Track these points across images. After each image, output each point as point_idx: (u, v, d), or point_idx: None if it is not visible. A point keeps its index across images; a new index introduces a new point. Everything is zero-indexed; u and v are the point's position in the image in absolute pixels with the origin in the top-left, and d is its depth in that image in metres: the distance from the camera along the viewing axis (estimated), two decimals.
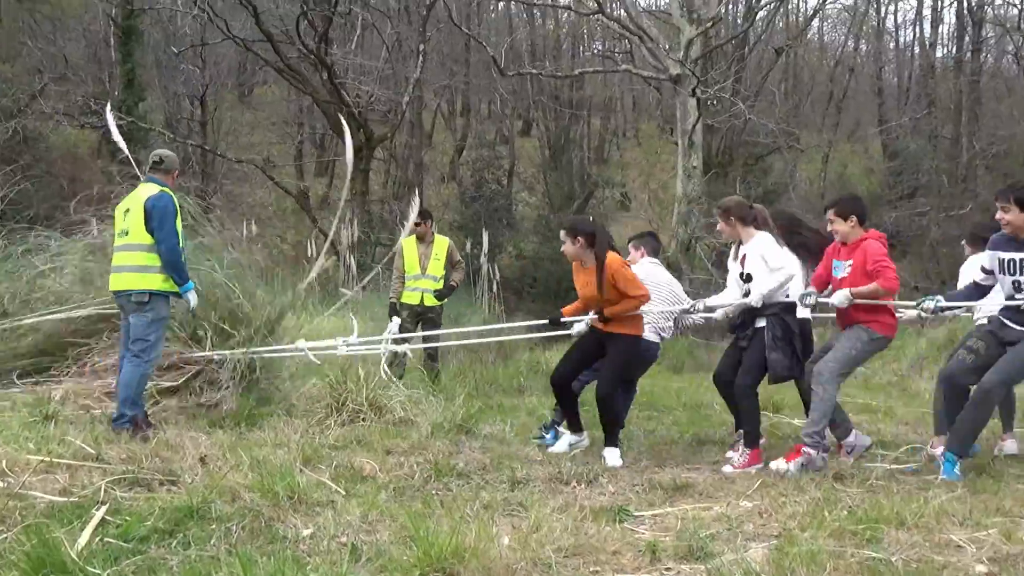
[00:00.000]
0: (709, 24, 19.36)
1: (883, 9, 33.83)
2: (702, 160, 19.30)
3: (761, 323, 5.83)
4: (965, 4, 28.32)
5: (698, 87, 18.22)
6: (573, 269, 6.22)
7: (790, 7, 31.36)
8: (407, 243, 8.80)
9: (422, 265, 8.68)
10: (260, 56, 22.65)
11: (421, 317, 8.59)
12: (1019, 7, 28.31)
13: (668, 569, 3.51)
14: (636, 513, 4.30)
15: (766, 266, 5.79)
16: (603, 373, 6.01)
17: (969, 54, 28.05)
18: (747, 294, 5.87)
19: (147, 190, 5.97)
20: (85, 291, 7.14)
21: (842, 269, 5.56)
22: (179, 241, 5.94)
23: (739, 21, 26.25)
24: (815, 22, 33.45)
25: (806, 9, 32.68)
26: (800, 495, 4.59)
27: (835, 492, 4.64)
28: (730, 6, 25.90)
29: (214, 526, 3.75)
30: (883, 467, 5.37)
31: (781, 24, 31.03)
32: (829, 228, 5.69)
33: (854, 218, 5.55)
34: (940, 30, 32.94)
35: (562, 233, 6.12)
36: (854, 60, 32.30)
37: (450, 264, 8.77)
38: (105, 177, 24.47)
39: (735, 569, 3.36)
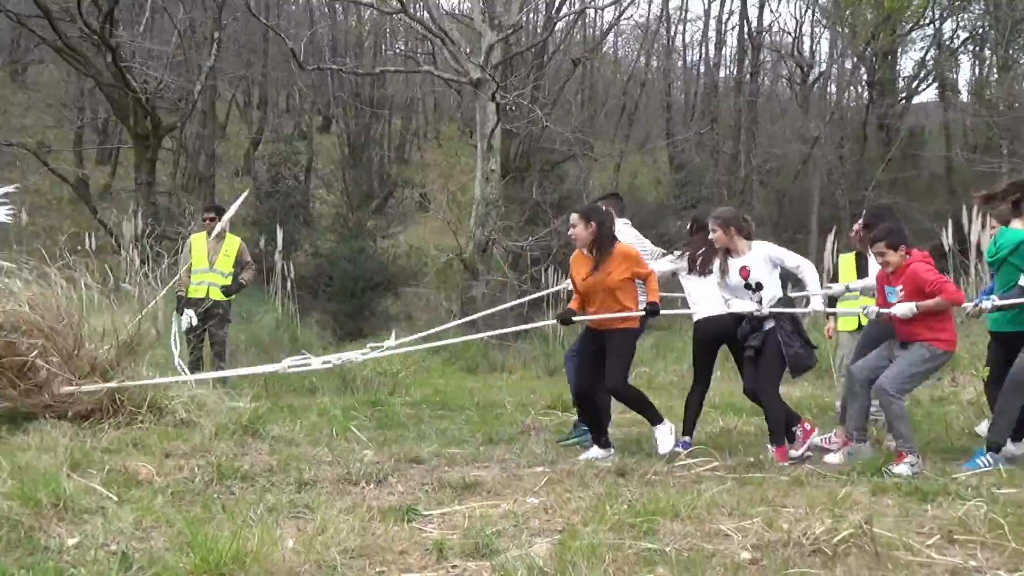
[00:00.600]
0: (509, 31, 19.73)
1: (673, 28, 35.68)
2: (500, 164, 19.63)
3: (770, 324, 6.04)
4: (745, 29, 30.34)
5: (498, 92, 18.52)
6: (573, 261, 6.27)
7: (587, 21, 32.43)
8: (196, 237, 8.59)
9: (210, 260, 8.45)
10: (36, 33, 21.09)
11: (208, 312, 8.33)
12: (792, 35, 30.64)
13: (454, 567, 3.52)
14: (424, 512, 4.30)
15: (774, 267, 6.11)
16: (609, 370, 6.02)
17: (748, 76, 30.05)
18: (760, 301, 6.03)
19: None
20: None
21: (895, 295, 5.81)
22: None
23: (539, 30, 26.90)
24: (610, 37, 34.83)
25: (602, 23, 33.91)
26: (584, 491, 4.74)
27: (616, 487, 4.82)
28: (530, 15, 26.51)
29: None
30: (686, 464, 5.61)
31: (579, 36, 32.07)
32: (879, 260, 5.89)
33: (903, 248, 5.80)
34: (724, 52, 35.11)
35: (574, 217, 6.14)
36: (645, 76, 33.83)
37: (240, 263, 8.61)
38: None
39: (519, 564, 3.42)
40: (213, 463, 4.95)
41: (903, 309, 5.66)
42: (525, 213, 19.45)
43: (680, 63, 37.53)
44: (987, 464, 5.63)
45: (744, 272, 6.14)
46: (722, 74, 34.55)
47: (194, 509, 4.13)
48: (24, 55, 30.81)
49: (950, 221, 12.42)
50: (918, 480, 5.08)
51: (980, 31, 28.75)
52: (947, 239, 12.19)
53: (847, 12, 27.03)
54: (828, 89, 30.59)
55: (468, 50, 19.58)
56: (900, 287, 5.82)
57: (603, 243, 6.06)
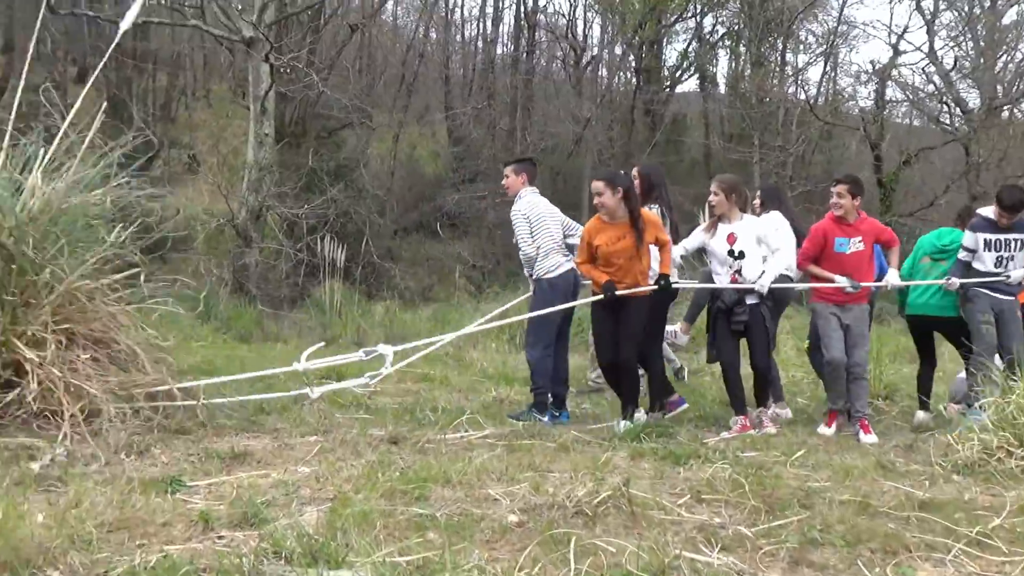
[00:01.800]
0: None
1: (451, 1, 35.80)
2: (275, 128, 19.05)
3: (753, 299, 6.26)
4: (522, 8, 30.94)
5: (271, 53, 17.92)
6: (591, 229, 6.19)
7: None
8: None
9: None
10: None
11: None
12: (567, 18, 31.57)
13: (221, 537, 3.45)
14: (190, 483, 4.17)
15: (764, 247, 6.34)
16: (624, 340, 6.16)
17: (525, 55, 30.68)
18: (739, 271, 6.28)
19: None
20: None
21: (849, 245, 6.33)
22: None
23: None
24: (389, 5, 34.48)
25: None
26: (357, 459, 4.76)
27: (389, 455, 4.87)
28: None
29: None
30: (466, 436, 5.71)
31: (357, 2, 31.54)
32: (833, 201, 6.35)
33: (859, 199, 6.42)
34: (500, 29, 35.62)
35: (599, 185, 6.06)
36: (424, 47, 33.78)
37: None
38: None
39: (288, 533, 3.39)
40: None
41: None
42: (301, 180, 18.99)
43: (459, 37, 37.79)
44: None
45: (731, 238, 6.38)
46: (499, 51, 35.09)
47: None
48: None
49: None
50: (672, 445, 5.45)
51: (736, 28, 30.79)
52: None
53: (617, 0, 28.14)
54: (600, 73, 31.76)
55: (240, 7, 18.81)
56: (858, 237, 6.45)
57: (636, 207, 6.16)
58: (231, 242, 17.68)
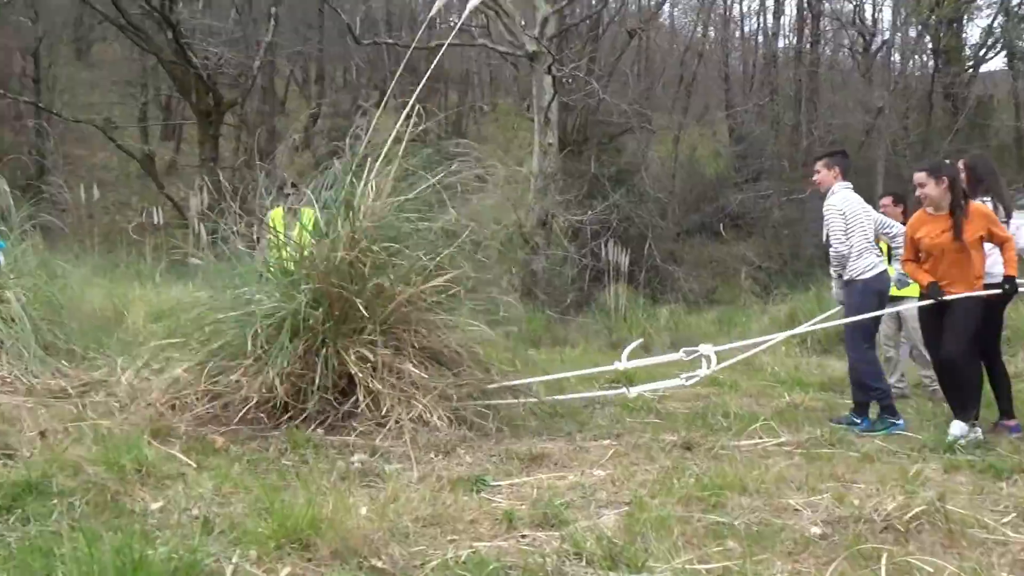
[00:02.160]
0: (564, 2, 19.58)
1: None
2: (557, 138, 19.55)
3: None
4: None
5: (553, 65, 18.41)
6: (915, 222, 6.05)
7: None
8: (276, 214, 8.72)
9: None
10: (98, 10, 21.51)
11: None
12: (853, 3, 29.91)
13: (524, 536, 3.58)
14: (493, 483, 4.37)
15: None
16: (950, 336, 5.72)
17: (808, 45, 29.41)
18: None
19: None
20: None
21: None
22: None
23: (593, 1, 26.64)
24: (666, 7, 34.38)
25: None
26: (650, 464, 4.77)
27: (683, 461, 4.84)
28: None
29: (55, 501, 3.58)
30: (732, 442, 5.59)
31: (634, 7, 31.70)
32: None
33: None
34: (782, 21, 34.43)
35: (921, 176, 5.91)
36: (703, 46, 33.34)
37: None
38: None
39: (588, 535, 3.46)
40: (286, 435, 5.06)
41: None
42: (584, 187, 19.36)
43: (738, 33, 36.95)
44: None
45: None
46: (781, 44, 33.88)
47: (270, 477, 4.24)
48: (88, 32, 31.40)
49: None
50: (992, 458, 5.01)
51: None
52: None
53: None
54: (891, 58, 29.82)
55: (523, 22, 19.48)
56: None
57: (959, 199, 5.81)
58: (519, 249, 18.36)
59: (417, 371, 5.29)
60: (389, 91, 8.24)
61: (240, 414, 5.12)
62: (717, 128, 32.19)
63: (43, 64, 25.45)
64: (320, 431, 5.14)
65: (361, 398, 5.19)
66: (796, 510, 3.94)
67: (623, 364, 6.03)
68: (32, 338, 6.71)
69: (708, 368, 5.97)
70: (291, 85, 33.03)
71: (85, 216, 12.61)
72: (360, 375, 5.24)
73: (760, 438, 5.60)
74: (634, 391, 6.19)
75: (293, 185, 8.38)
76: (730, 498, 4.06)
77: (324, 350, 5.30)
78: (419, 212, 5.96)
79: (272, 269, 5.91)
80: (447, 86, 31.46)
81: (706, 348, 6.09)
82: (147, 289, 10.30)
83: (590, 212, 17.85)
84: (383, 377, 5.24)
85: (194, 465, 4.31)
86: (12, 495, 3.59)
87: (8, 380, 6.01)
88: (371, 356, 5.28)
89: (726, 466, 4.64)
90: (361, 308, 5.32)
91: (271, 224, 8.54)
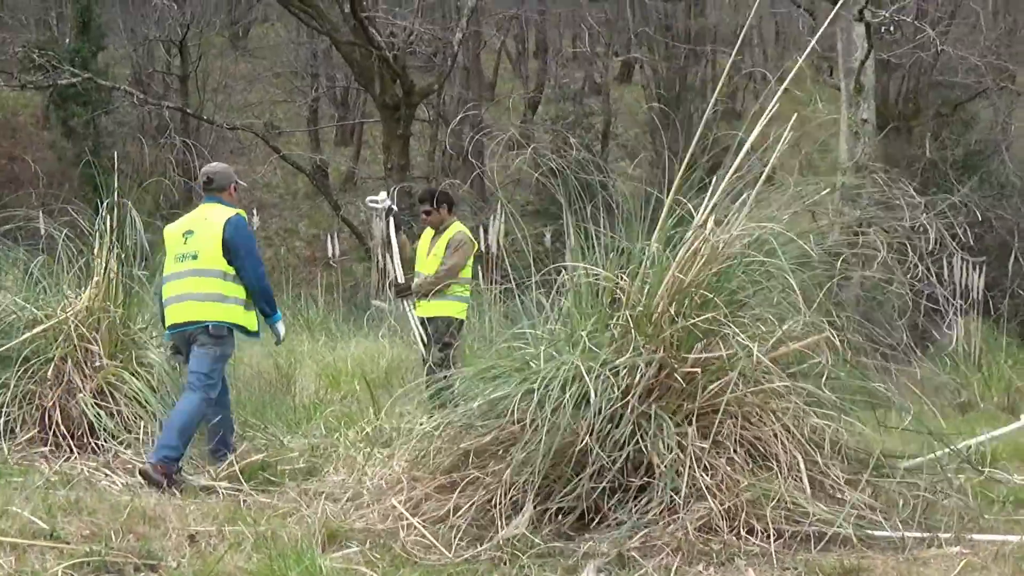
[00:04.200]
0: None
1: None
2: (876, 111, 19.08)
3: None
4: None
5: (867, 8, 18.03)
6: None
7: None
8: (424, 235, 9.13)
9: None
10: None
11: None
12: None
13: None
14: None
15: None
16: None
17: None
18: None
19: (216, 212, 7.06)
20: None
21: None
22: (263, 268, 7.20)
23: None
24: None
25: None
26: None
27: None
28: None
29: None
30: None
31: None
32: None
33: None
34: None
35: None
36: None
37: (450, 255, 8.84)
38: (55, 153, 25.17)
39: None
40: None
41: None
42: (916, 178, 18.80)
43: None
44: None
45: None
46: None
47: None
48: (245, 13, 33.69)
49: None
50: None
51: None
52: None
53: None
54: None
55: None
56: None
57: None
58: (824, 276, 17.97)
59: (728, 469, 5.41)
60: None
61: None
62: None
63: (191, 57, 27.39)
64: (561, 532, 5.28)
65: (657, 494, 5.30)
66: None
67: None
68: None
69: None
70: (503, 62, 33.91)
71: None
72: (661, 466, 5.36)
73: None
74: None
75: (435, 198, 8.78)
76: None
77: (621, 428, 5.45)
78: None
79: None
80: (715, 49, 31.38)
81: None
82: (319, 343, 10.92)
83: (925, 215, 17.28)
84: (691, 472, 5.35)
85: None
86: None
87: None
88: (682, 445, 5.42)
89: None
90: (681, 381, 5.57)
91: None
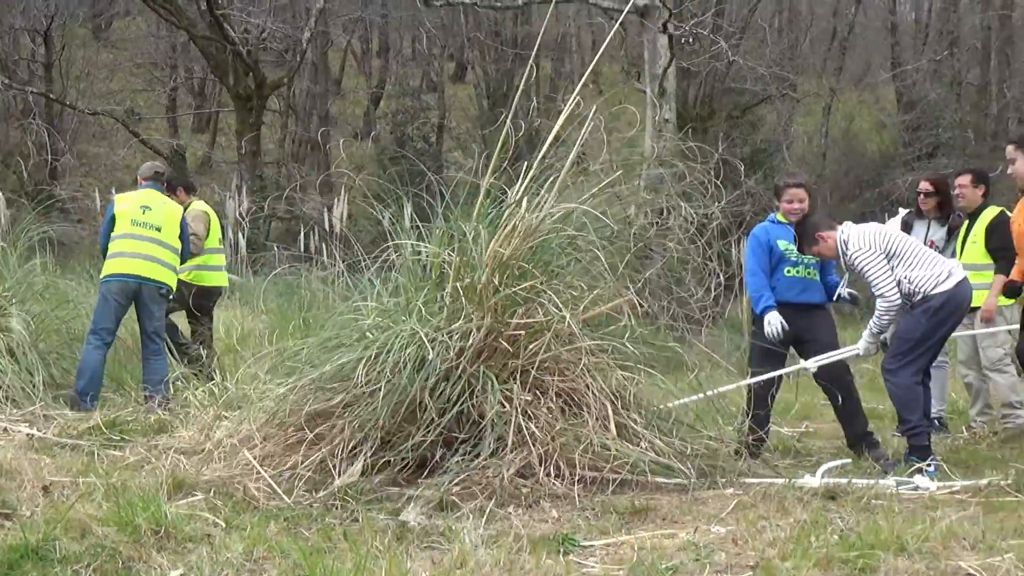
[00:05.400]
0: None
1: None
2: (676, 112, 19.47)
3: None
4: None
5: (670, 21, 18.37)
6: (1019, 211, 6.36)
7: None
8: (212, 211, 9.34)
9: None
10: None
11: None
12: None
13: None
14: (585, 543, 4.40)
15: None
16: None
17: None
18: None
19: (172, 204, 8.23)
20: None
21: None
22: None
23: None
24: None
25: None
26: (783, 518, 4.73)
27: (825, 513, 4.79)
28: None
29: (58, 569, 3.76)
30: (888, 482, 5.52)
31: None
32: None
33: None
34: None
35: (1012, 149, 6.34)
36: None
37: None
38: None
39: None
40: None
41: None
42: (710, 172, 19.25)
43: None
44: None
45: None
46: None
47: (312, 537, 4.36)
48: (107, 7, 32.61)
49: None
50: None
51: None
52: None
53: None
54: None
55: None
56: None
57: None
58: (629, 252, 18.32)
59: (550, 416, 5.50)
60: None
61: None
62: (880, 93, 31.55)
63: (55, 46, 26.42)
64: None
65: (487, 444, 5.36)
66: (969, 575, 3.87)
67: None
68: (39, 374, 7.05)
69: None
70: (348, 60, 33.66)
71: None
72: (495, 419, 5.42)
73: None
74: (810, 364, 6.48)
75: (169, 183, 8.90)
76: (883, 560, 4.01)
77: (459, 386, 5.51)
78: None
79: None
80: (539, 53, 31.63)
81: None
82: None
83: (718, 204, 17.72)
84: (521, 423, 5.42)
85: (222, 524, 4.46)
86: (9, 562, 3.77)
87: (7, 425, 6.30)
88: (508, 398, 5.50)
89: (880, 520, 4.58)
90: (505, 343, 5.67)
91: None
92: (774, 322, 6.61)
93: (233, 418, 6.09)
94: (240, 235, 14.75)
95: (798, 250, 6.72)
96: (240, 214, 15.63)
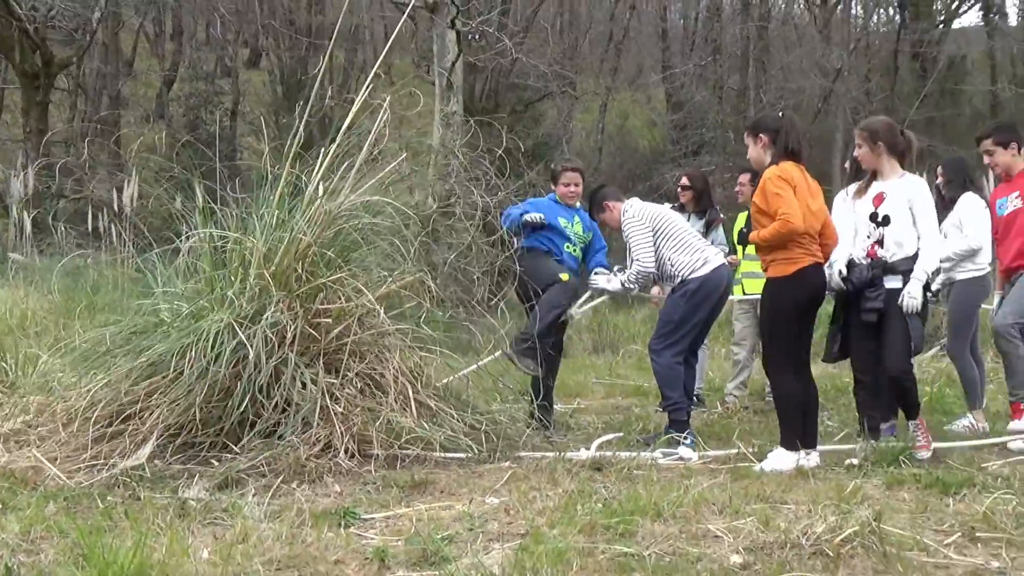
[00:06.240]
0: None
1: None
2: (463, 105, 19.56)
3: (896, 282, 5.74)
4: None
5: (458, 18, 18.42)
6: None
7: None
8: None
9: None
10: None
11: None
12: None
13: None
14: (365, 516, 4.40)
15: (920, 219, 5.75)
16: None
17: None
18: (880, 241, 5.83)
19: None
20: None
21: (1008, 204, 6.42)
22: None
23: None
24: None
25: None
26: (553, 489, 4.85)
27: (591, 484, 4.93)
28: None
29: None
30: (649, 454, 5.73)
31: None
32: (987, 160, 6.49)
33: (1015, 146, 6.41)
34: None
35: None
36: None
37: None
38: None
39: (472, 573, 3.52)
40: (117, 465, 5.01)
41: None
42: (494, 163, 19.43)
43: None
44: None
45: (879, 199, 5.90)
46: None
47: (92, 517, 4.20)
48: None
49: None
50: (941, 471, 5.22)
51: None
52: (990, 186, 12.33)
53: None
54: (853, 12, 30.66)
55: None
56: (1015, 192, 6.40)
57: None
58: (418, 237, 18.32)
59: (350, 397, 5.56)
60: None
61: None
62: (652, 93, 32.58)
63: None
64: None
65: (291, 425, 5.33)
66: (716, 536, 4.06)
67: None
68: None
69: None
70: (141, 42, 32.36)
71: None
72: (299, 402, 5.41)
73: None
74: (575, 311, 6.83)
75: None
76: (641, 525, 4.15)
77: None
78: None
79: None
80: (333, 43, 31.16)
81: None
82: None
83: (501, 192, 17.91)
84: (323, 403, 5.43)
85: None
86: None
87: None
88: (315, 380, 5.50)
89: (640, 488, 4.75)
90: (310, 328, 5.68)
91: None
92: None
93: (21, 405, 5.82)
94: (26, 214, 13.95)
95: (588, 215, 6.92)
96: (25, 193, 14.76)
